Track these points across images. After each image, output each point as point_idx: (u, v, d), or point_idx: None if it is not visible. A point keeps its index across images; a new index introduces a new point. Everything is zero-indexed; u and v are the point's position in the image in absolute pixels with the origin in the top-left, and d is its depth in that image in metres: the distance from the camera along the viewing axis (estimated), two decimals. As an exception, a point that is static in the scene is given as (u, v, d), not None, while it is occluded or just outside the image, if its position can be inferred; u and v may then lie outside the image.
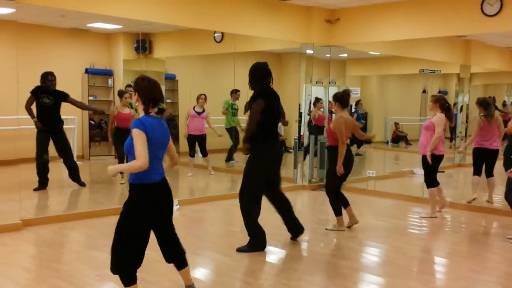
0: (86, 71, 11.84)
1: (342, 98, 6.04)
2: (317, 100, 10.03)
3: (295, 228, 5.73)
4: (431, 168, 6.82)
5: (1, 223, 6.09)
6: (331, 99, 10.06)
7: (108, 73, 12.01)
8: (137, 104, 3.46)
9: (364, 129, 12.78)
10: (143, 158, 3.23)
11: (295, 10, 8.99)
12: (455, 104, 12.83)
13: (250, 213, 5.25)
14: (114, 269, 3.46)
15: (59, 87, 8.00)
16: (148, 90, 3.43)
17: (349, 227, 6.32)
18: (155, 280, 4.40)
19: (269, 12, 8.63)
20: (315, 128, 9.79)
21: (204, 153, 9.78)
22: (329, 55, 9.46)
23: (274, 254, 5.47)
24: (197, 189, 9.38)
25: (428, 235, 6.58)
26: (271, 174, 5.37)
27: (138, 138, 3.27)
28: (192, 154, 9.70)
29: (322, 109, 10.17)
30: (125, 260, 3.44)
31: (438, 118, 6.73)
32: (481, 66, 11.96)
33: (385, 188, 8.92)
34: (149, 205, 3.43)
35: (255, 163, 5.22)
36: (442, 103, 6.81)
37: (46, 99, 7.87)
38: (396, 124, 13.48)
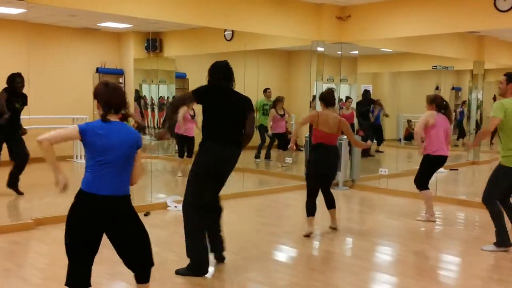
0: (97, 70, 11.89)
1: (325, 97, 5.93)
2: (347, 98, 10.08)
3: (217, 247, 4.81)
4: (429, 170, 6.62)
5: (13, 222, 6.14)
6: (342, 96, 10.09)
7: (119, 73, 12.04)
8: (97, 111, 3.28)
9: (379, 127, 12.68)
10: (45, 136, 3.08)
11: (305, 7, 8.94)
12: (464, 102, 12.70)
13: (190, 224, 4.51)
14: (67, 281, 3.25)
15: (70, 87, 7.95)
16: (106, 96, 3.23)
17: (333, 228, 6.15)
18: (168, 281, 4.39)
19: (279, 9, 8.58)
20: None
21: (191, 155, 9.59)
22: (340, 52, 9.39)
23: (284, 252, 5.45)
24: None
25: (441, 233, 6.51)
26: (212, 175, 4.56)
27: (65, 128, 3.17)
28: (181, 155, 9.66)
29: (352, 107, 10.35)
30: (69, 273, 3.22)
31: (425, 114, 6.49)
32: (495, 62, 11.81)
33: (397, 186, 8.84)
34: (84, 218, 3.16)
35: (196, 162, 4.58)
36: (438, 102, 6.59)
37: (18, 104, 7.46)
38: (409, 121, 13.35)
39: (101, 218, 3.21)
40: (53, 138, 3.11)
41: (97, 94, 3.27)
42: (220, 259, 4.83)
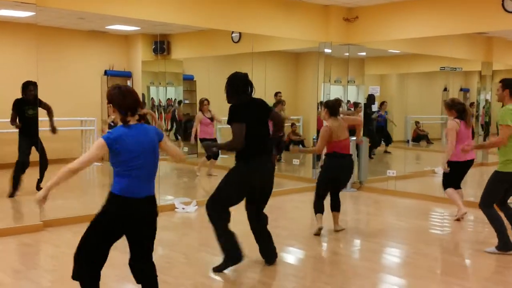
0: (105, 73, 11.94)
1: (332, 106, 6.04)
2: (356, 104, 10.06)
3: (268, 255, 4.98)
4: (460, 175, 6.68)
5: (22, 224, 6.18)
6: (350, 98, 10.07)
7: (127, 75, 12.08)
8: (113, 116, 3.30)
9: (384, 129, 12.66)
10: (77, 163, 3.09)
11: (312, 9, 8.94)
12: (472, 103, 12.63)
13: (219, 222, 4.71)
14: (74, 275, 3.33)
15: (78, 89, 7.99)
16: (121, 98, 3.23)
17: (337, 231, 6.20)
18: (177, 283, 4.41)
19: (286, 11, 8.59)
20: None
21: (215, 157, 9.73)
22: (347, 54, 9.38)
23: (292, 254, 5.44)
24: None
25: (450, 235, 6.48)
26: (251, 192, 4.81)
27: (94, 145, 3.15)
28: (209, 157, 9.70)
29: (361, 113, 10.32)
30: (85, 267, 3.31)
31: (449, 125, 6.54)
32: (503, 63, 11.75)
33: (405, 188, 8.81)
34: (120, 219, 3.27)
35: (235, 178, 4.72)
36: (457, 108, 6.58)
37: (31, 111, 7.49)
38: (417, 123, 13.30)
39: (137, 220, 3.30)
40: (82, 162, 3.13)
41: (111, 99, 3.27)
42: (269, 263, 4.96)
